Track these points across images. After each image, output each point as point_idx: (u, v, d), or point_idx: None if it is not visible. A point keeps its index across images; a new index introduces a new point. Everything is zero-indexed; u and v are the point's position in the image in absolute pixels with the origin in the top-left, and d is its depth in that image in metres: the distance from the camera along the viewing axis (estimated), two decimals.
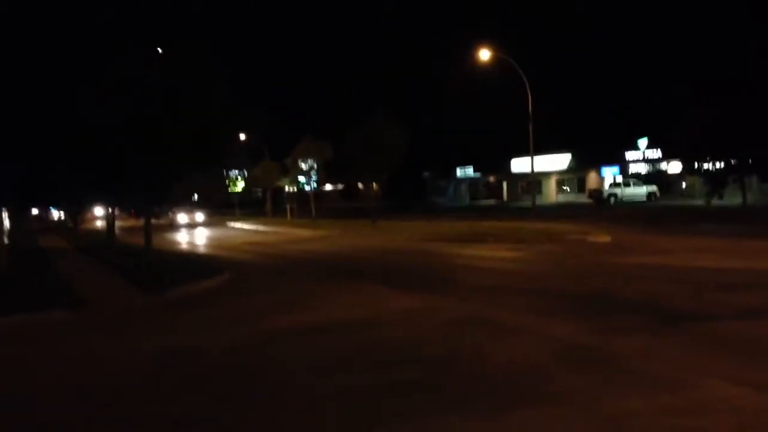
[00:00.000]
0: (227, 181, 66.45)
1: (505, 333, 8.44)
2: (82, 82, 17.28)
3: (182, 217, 55.00)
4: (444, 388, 6.31)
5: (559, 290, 11.69)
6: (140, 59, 18.56)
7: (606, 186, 54.29)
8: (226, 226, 46.72)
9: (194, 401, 6.40)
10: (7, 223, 16.87)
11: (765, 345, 7.20)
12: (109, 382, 7.31)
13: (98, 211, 55.30)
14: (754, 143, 29.92)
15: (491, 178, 72.16)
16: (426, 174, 77.02)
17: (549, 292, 11.52)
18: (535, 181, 41.05)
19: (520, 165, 60.93)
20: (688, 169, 38.99)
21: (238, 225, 47.38)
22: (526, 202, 47.44)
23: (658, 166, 53.90)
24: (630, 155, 54.78)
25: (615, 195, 51.01)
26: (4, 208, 16.68)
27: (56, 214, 61.45)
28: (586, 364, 6.76)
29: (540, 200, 50.30)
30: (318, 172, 54.25)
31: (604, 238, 20.69)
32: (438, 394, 6.14)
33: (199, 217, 54.53)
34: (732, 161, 32.92)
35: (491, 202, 67.55)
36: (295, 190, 61.06)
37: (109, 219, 31.86)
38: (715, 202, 34.65)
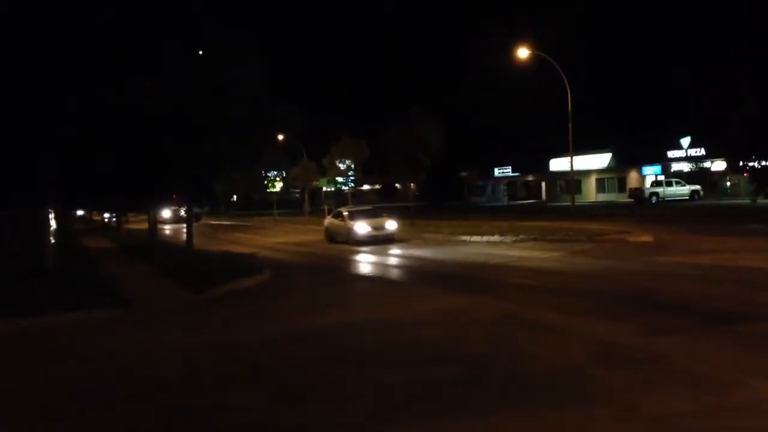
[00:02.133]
0: (266, 181, 67.06)
1: (545, 333, 8.40)
2: (129, 72, 17.56)
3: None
4: (483, 388, 6.31)
5: (599, 290, 11.57)
6: (187, 53, 18.82)
7: (647, 185, 53.42)
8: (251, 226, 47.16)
9: (232, 392, 6.52)
10: (53, 223, 17.26)
11: None
12: (154, 374, 7.49)
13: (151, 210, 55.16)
14: None
15: (530, 178, 71.58)
16: (464, 174, 76.76)
17: (589, 292, 11.41)
18: (573, 180, 40.63)
19: (558, 164, 60.32)
20: (732, 168, 38.19)
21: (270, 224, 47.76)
22: (566, 202, 46.95)
23: (701, 165, 52.82)
24: (672, 154, 53.79)
25: (656, 194, 50.14)
26: (50, 209, 17.03)
27: (100, 214, 62.77)
28: (628, 365, 6.69)
29: (579, 200, 49.74)
30: (355, 171, 54.49)
31: (646, 238, 20.37)
32: (477, 394, 6.15)
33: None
34: None
35: (530, 201, 67.01)
36: (333, 189, 61.44)
37: (152, 219, 32.53)
38: (761, 200, 33.85)
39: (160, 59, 18.16)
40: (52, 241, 17.13)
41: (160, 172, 19.76)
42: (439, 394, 6.19)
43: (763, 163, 32.76)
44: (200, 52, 19.29)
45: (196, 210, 24.48)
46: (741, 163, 34.66)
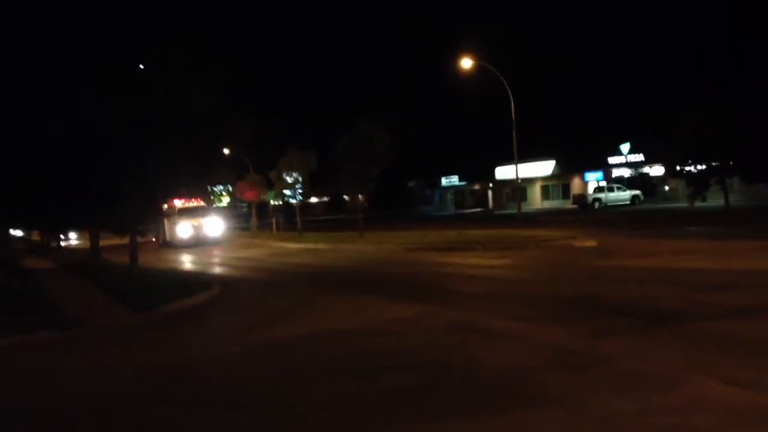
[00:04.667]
0: (212, 196, 66.16)
1: (495, 339, 8.49)
2: (64, 83, 17.10)
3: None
4: (435, 394, 6.35)
5: (547, 296, 11.76)
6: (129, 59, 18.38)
7: (590, 191, 54.72)
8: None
9: (187, 410, 6.38)
10: None
11: (752, 343, 7.29)
12: (100, 393, 7.27)
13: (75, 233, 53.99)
14: (735, 145, 30.28)
15: (476, 186, 72.49)
16: (411, 183, 77.25)
17: (537, 298, 11.59)
18: (519, 188, 41.29)
19: (504, 172, 61.30)
20: (670, 172, 39.39)
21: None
22: (512, 210, 47.69)
23: (641, 170, 54.41)
24: (613, 160, 55.30)
25: (599, 200, 51.42)
26: None
27: (40, 234, 60.83)
28: (577, 367, 6.82)
29: (525, 207, 50.60)
30: (303, 184, 54.18)
31: (591, 243, 20.83)
32: (429, 400, 6.18)
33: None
34: (713, 163, 33.27)
35: (477, 210, 67.81)
36: (281, 203, 60.96)
37: (93, 238, 31.63)
38: (698, 204, 34.99)
39: (102, 71, 17.74)
40: None
41: (103, 189, 19.22)
42: (393, 402, 6.20)
43: (699, 167, 33.90)
44: (142, 65, 18.88)
45: (140, 228, 23.83)
46: (678, 168, 35.79)
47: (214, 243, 38.76)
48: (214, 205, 66.88)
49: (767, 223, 22.82)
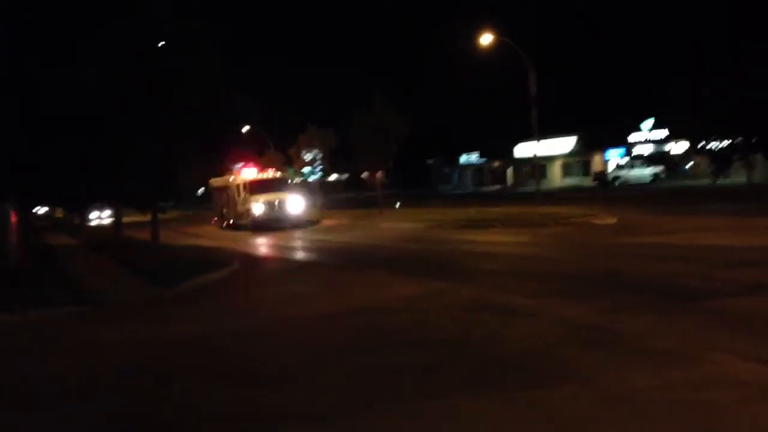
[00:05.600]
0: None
1: (513, 316, 8.51)
2: (80, 57, 17.28)
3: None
4: (454, 370, 6.40)
5: (566, 273, 11.74)
6: (142, 36, 18.53)
7: (611, 168, 54.19)
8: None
9: (208, 382, 6.49)
10: (15, 220, 16.88)
11: None
12: (128, 366, 7.42)
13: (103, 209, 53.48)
14: (758, 121, 29.83)
15: (496, 164, 72.08)
16: (430, 161, 76.98)
17: (557, 275, 11.58)
18: (539, 165, 41.02)
19: (524, 150, 60.75)
20: (693, 149, 38.92)
21: None
22: (531, 187, 47.46)
23: (663, 147, 53.72)
24: (634, 137, 54.60)
25: (619, 177, 50.91)
26: (10, 206, 16.64)
27: (63, 212, 61.61)
28: (596, 344, 6.82)
29: (545, 184, 50.25)
30: (323, 161, 54.20)
31: (610, 220, 20.70)
32: (448, 376, 6.24)
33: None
34: (737, 140, 32.82)
35: (496, 187, 67.50)
36: (300, 180, 61.08)
37: (116, 215, 31.98)
38: (721, 181, 34.58)
39: (118, 50, 17.87)
40: (14, 238, 16.78)
41: (124, 166, 19.41)
42: (407, 378, 6.26)
43: (723, 144, 33.47)
44: (162, 43, 18.97)
45: (161, 204, 24.04)
46: (701, 145, 35.36)
47: (296, 225, 30.34)
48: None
49: None
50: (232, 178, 33.47)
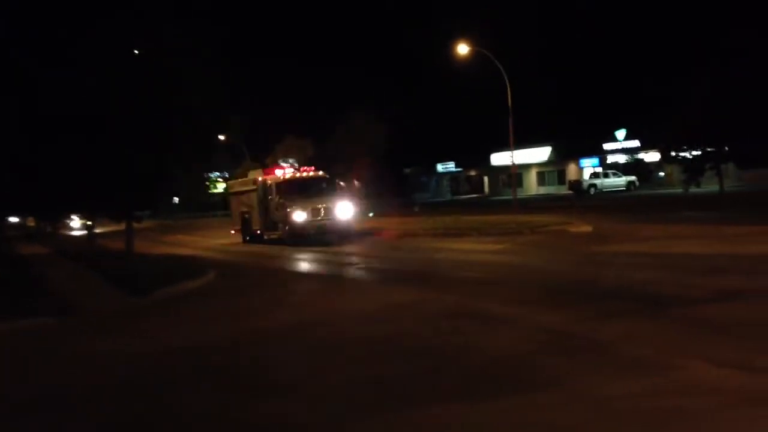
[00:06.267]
0: (208, 182, 65.93)
1: (491, 323, 8.54)
2: (58, 67, 17.05)
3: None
4: (433, 379, 6.41)
5: (542, 280, 11.82)
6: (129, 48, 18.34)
7: (586, 177, 54.82)
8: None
9: (191, 392, 6.43)
10: None
11: (746, 326, 7.35)
12: (98, 383, 7.32)
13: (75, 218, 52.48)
14: (729, 131, 30.40)
15: (472, 173, 72.50)
16: (408, 170, 77.24)
17: (533, 283, 11.64)
18: (515, 174, 41.38)
19: (500, 158, 61.26)
20: (665, 159, 39.53)
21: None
22: (507, 196, 47.79)
23: (636, 156, 54.49)
24: (608, 146, 55.36)
25: (594, 185, 51.53)
26: None
27: (35, 221, 60.70)
28: (573, 351, 6.87)
29: (521, 193, 50.67)
30: None
31: (586, 228, 20.89)
32: (423, 385, 6.25)
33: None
34: (708, 149, 33.41)
35: (473, 196, 67.87)
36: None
37: (89, 224, 31.66)
38: (693, 189, 35.13)
39: (101, 54, 17.67)
40: None
41: (101, 174, 19.13)
42: (387, 387, 6.26)
43: (694, 153, 34.04)
44: (150, 48, 18.80)
45: (137, 213, 23.65)
46: (673, 154, 35.95)
47: (345, 236, 24.47)
48: (210, 192, 65.44)
49: (758, 209, 22.91)
50: (260, 179, 27.39)
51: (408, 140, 60.96)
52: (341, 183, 28.21)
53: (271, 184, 26.38)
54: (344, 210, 25.08)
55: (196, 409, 6.14)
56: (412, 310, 9.95)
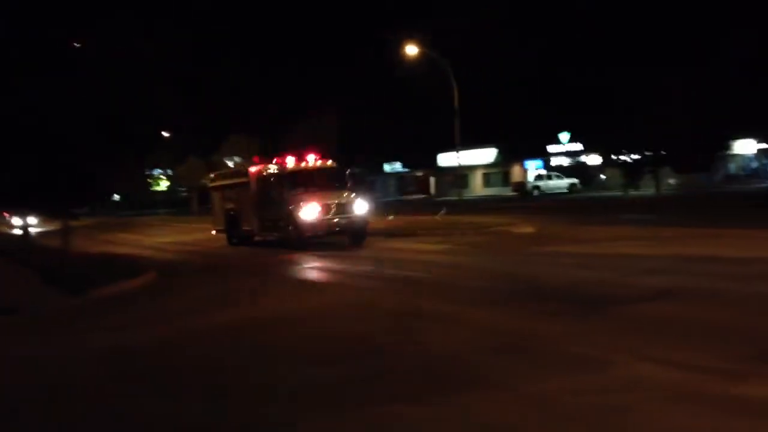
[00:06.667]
0: (150, 179, 64.61)
1: (434, 323, 8.58)
2: None
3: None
4: (373, 378, 6.39)
5: (485, 281, 11.95)
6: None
7: (530, 179, 55.77)
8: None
9: (127, 397, 6.26)
10: None
11: (678, 324, 7.59)
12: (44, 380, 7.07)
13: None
14: (667, 137, 31.39)
15: (419, 173, 72.89)
16: (355, 170, 77.12)
17: (475, 283, 11.76)
18: (461, 175, 41.80)
19: (447, 159, 61.73)
20: (607, 162, 40.59)
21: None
22: (453, 196, 48.22)
23: (579, 159, 55.70)
24: (552, 149, 56.38)
25: (538, 187, 52.46)
26: None
27: None
28: (513, 350, 6.96)
29: (466, 194, 51.20)
30: None
31: (528, 229, 21.21)
32: (367, 385, 6.23)
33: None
34: (647, 154, 34.44)
35: (419, 196, 68.24)
36: None
37: (25, 220, 30.52)
38: (632, 192, 36.14)
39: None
40: None
41: (31, 172, 18.53)
42: (331, 388, 6.21)
43: (634, 157, 35.05)
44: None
45: (74, 211, 22.86)
46: (613, 158, 36.94)
47: (361, 236, 20.73)
48: (151, 189, 64.03)
49: (691, 211, 23.77)
50: (253, 170, 23.21)
51: (355, 140, 60.88)
52: (352, 174, 23.63)
53: (269, 176, 22.11)
54: (361, 207, 20.80)
55: (119, 412, 6.00)
56: (355, 310, 9.93)
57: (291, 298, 11.61)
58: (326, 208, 20.05)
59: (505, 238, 19.67)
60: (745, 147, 45.16)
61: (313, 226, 19.95)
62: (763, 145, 42.74)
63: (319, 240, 20.40)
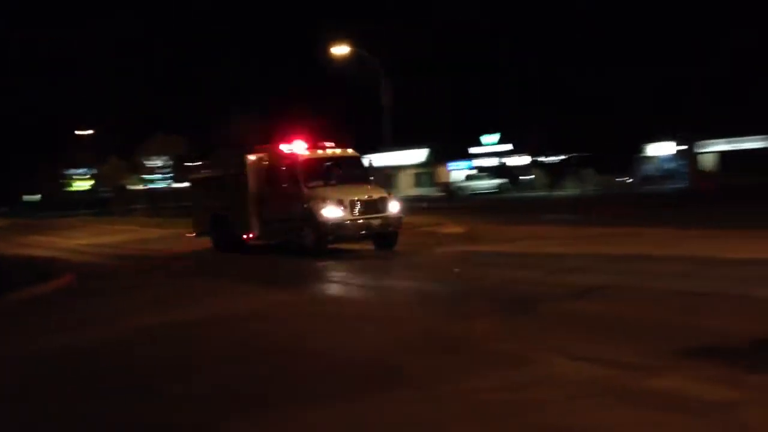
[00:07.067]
0: (66, 179, 62.23)
1: (357, 322, 8.54)
2: None
3: None
4: (297, 379, 6.30)
5: (412, 280, 11.97)
6: None
7: (457, 178, 56.56)
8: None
9: (55, 401, 5.94)
10: None
11: (597, 321, 7.76)
12: None
13: None
14: (590, 139, 32.40)
15: None
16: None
17: (402, 283, 11.77)
18: (391, 174, 42.00)
19: (377, 159, 61.96)
20: (533, 163, 41.59)
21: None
22: None
23: (503, 160, 56.88)
24: (480, 150, 57.40)
25: (467, 187, 53.19)
26: None
27: None
28: (437, 349, 6.96)
29: (396, 193, 51.41)
30: (174, 168, 52.25)
31: (457, 229, 21.36)
32: (291, 386, 6.13)
33: None
34: (571, 155, 35.46)
35: None
36: (145, 187, 58.42)
37: None
38: (557, 192, 37.12)
39: None
40: None
41: None
42: (252, 388, 6.09)
43: (557, 158, 36.03)
44: None
45: None
46: (539, 159, 37.89)
47: (392, 238, 17.06)
48: (66, 189, 61.78)
49: (611, 211, 24.62)
50: (253, 158, 18.62)
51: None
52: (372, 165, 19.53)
53: (276, 166, 17.86)
54: (394, 205, 17.07)
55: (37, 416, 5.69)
56: (275, 309, 9.79)
57: (214, 302, 11.31)
58: (352, 206, 16.21)
59: (433, 238, 19.71)
60: (661, 149, 47.05)
61: (337, 227, 16.08)
62: (682, 147, 44.53)
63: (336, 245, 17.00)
